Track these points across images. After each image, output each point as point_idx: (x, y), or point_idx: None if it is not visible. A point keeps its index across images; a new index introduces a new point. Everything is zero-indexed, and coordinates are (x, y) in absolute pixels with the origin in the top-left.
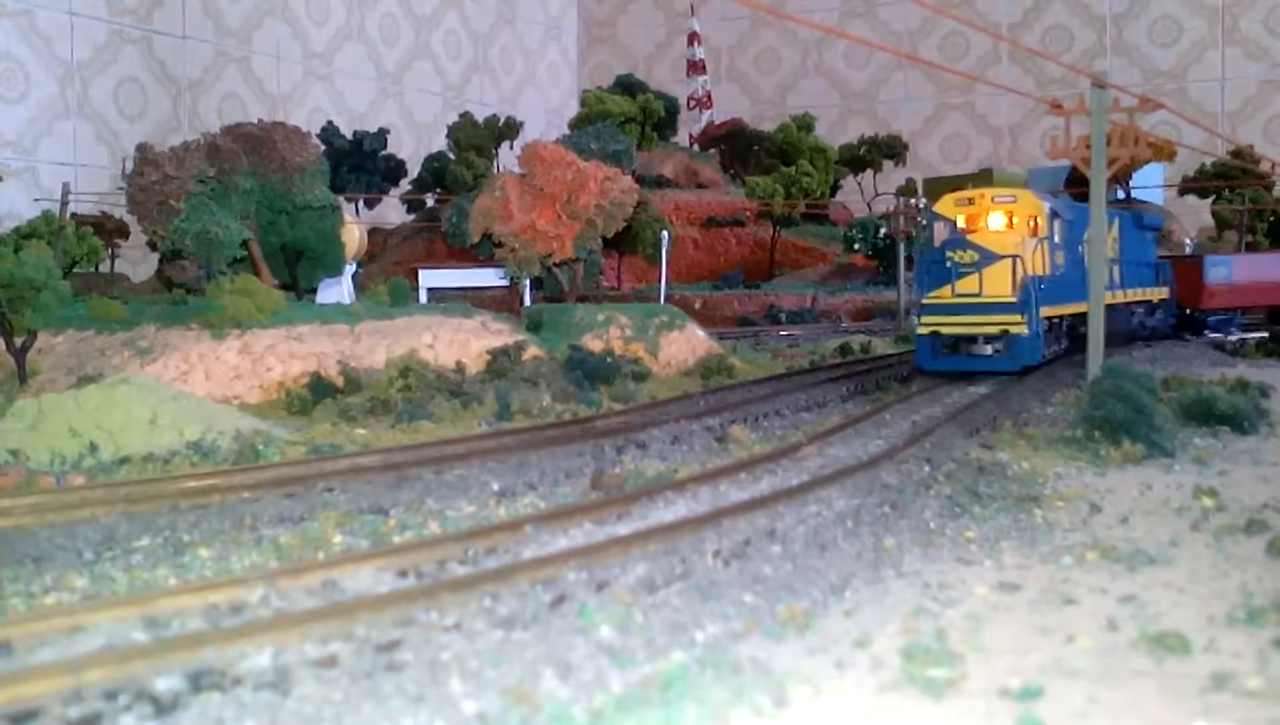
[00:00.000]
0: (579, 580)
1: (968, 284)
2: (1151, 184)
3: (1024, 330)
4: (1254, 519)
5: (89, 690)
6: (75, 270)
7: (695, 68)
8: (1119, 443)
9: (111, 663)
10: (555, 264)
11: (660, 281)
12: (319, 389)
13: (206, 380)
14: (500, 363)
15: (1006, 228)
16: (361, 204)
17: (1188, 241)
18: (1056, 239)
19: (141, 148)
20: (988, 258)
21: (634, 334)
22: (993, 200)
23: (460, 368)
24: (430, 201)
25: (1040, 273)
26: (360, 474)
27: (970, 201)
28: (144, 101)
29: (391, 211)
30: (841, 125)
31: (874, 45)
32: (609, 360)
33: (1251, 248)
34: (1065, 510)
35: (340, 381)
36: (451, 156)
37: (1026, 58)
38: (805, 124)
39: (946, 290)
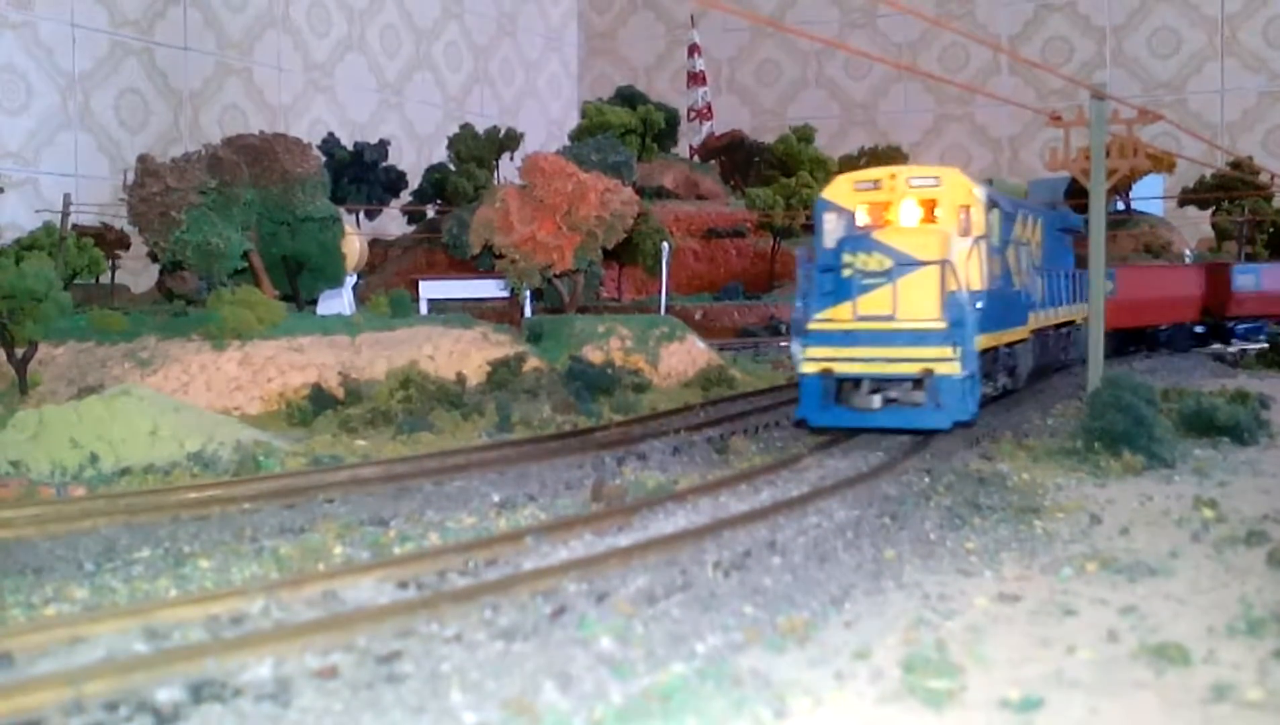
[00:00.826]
0: (579, 591)
1: (874, 302)
2: (1151, 195)
3: (955, 369)
4: (1254, 530)
5: (89, 701)
6: (76, 281)
7: (695, 79)
8: (1119, 454)
9: (112, 674)
10: (556, 275)
11: (660, 293)
12: (319, 400)
13: (207, 391)
14: (501, 374)
15: (927, 221)
16: (362, 215)
17: (1188, 253)
18: (995, 239)
19: (143, 159)
20: (903, 264)
21: (634, 345)
22: (908, 183)
23: (461, 379)
24: (431, 213)
25: (977, 286)
26: (361, 485)
27: (875, 185)
28: (145, 113)
29: (392, 223)
30: (842, 136)
31: (874, 57)
32: (609, 371)
33: (1251, 259)
34: (1065, 521)
35: (341, 393)
36: (452, 168)
37: (1026, 69)
38: (805, 135)
39: (844, 309)
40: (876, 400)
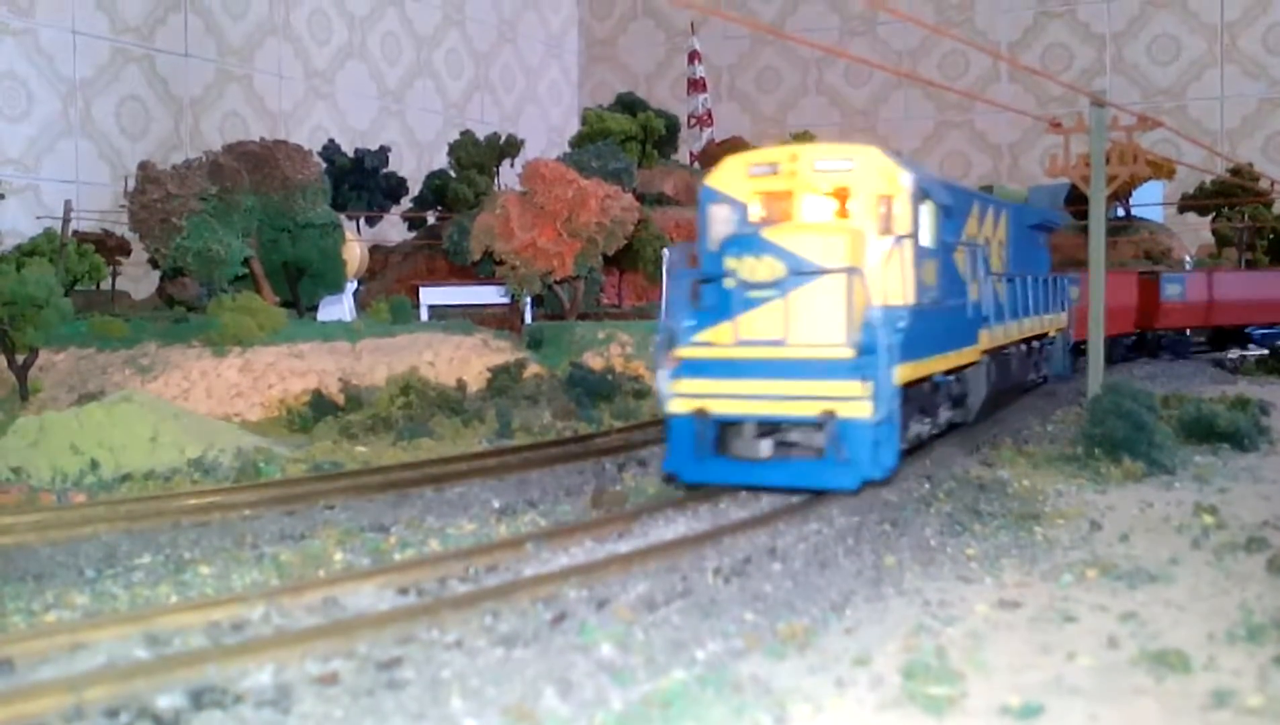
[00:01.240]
0: (580, 598)
1: (761, 322)
2: (1151, 201)
3: (865, 411)
4: (1254, 536)
5: (90, 708)
6: (77, 288)
7: (696, 86)
8: (1119, 460)
9: (113, 680)
10: (556, 282)
11: (661, 299)
12: (320, 406)
13: (208, 398)
14: (501, 380)
15: (838, 216)
16: (363, 222)
17: (1187, 259)
18: (928, 239)
19: (143, 166)
20: (800, 272)
21: (635, 351)
22: (813, 167)
23: (461, 385)
24: (431, 219)
25: (900, 300)
26: (361, 492)
27: (773, 169)
28: (146, 119)
29: (392, 229)
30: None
31: (874, 64)
32: (610, 378)
33: (1251, 265)
34: (1066, 528)
35: (341, 399)
36: (452, 174)
37: (1026, 76)
38: (806, 142)
39: (725, 331)
40: (764, 446)
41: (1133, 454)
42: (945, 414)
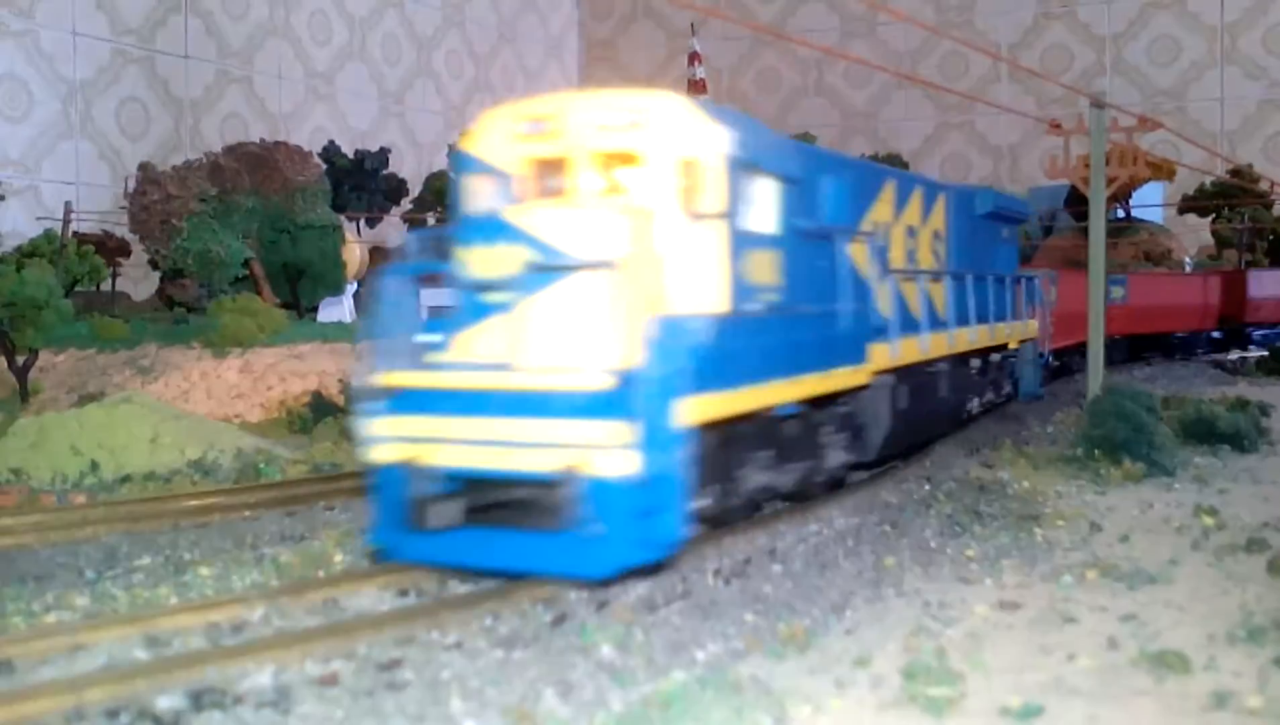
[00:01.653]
0: (580, 599)
1: (488, 336)
2: (1151, 203)
3: (626, 466)
4: (1254, 538)
5: (90, 709)
6: (77, 289)
7: (696, 87)
8: (1119, 461)
9: (113, 681)
10: None
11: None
12: (320, 408)
13: (208, 399)
14: None
15: (610, 191)
16: (363, 223)
17: (1187, 260)
18: (748, 221)
19: (144, 167)
20: (545, 269)
21: None
22: (590, 123)
23: None
24: (431, 221)
25: (708, 305)
26: (362, 493)
27: (539, 126)
28: (146, 121)
29: (393, 230)
30: (842, 144)
31: (874, 65)
32: None
33: (1251, 266)
34: (1066, 529)
35: (341, 400)
36: (452, 175)
37: (1026, 77)
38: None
39: (459, 347)
40: (449, 511)
41: (1133, 455)
42: (795, 464)
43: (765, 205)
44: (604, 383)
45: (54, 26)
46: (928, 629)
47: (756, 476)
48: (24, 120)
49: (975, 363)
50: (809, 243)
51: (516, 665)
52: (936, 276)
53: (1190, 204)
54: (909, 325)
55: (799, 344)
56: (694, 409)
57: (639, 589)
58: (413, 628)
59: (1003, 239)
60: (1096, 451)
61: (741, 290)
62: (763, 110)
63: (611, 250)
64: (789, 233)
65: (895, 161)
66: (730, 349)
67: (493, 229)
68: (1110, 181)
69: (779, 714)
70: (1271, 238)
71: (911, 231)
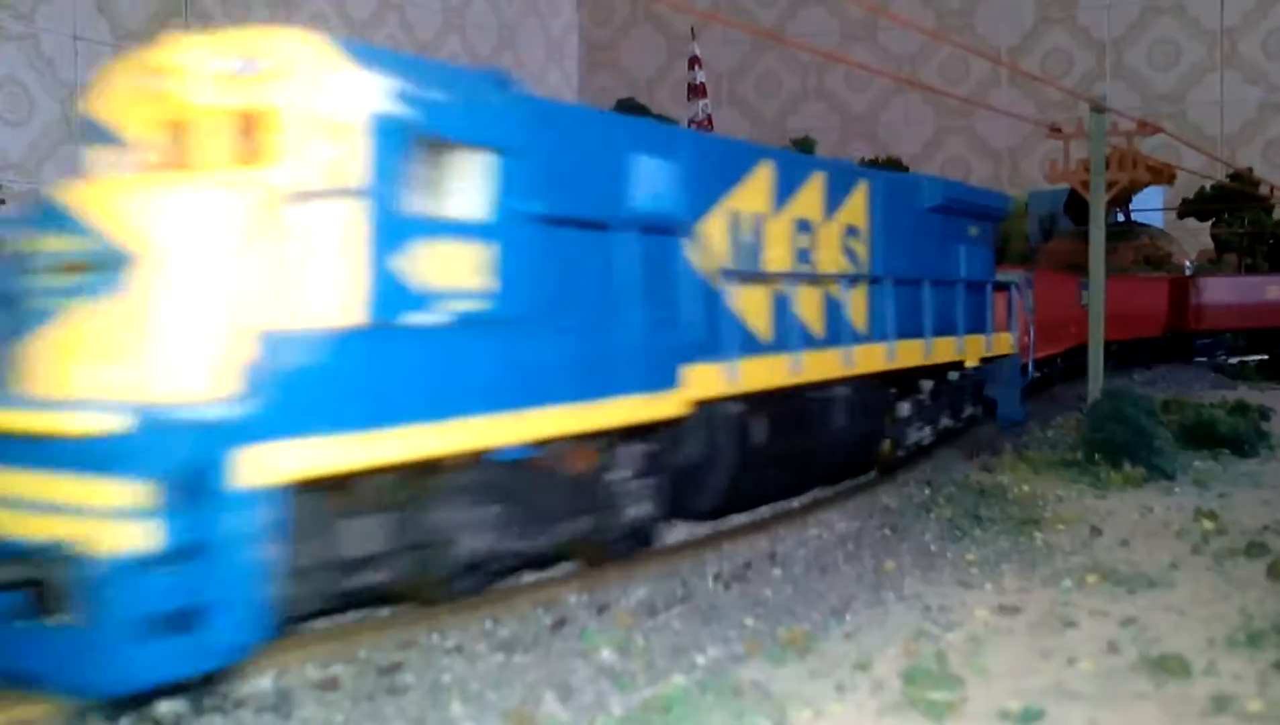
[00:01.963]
0: (580, 603)
1: (18, 354)
2: (1151, 207)
3: (140, 540)
4: (1254, 542)
5: (91, 712)
6: None
7: (696, 91)
8: (1119, 465)
9: None
10: None
11: None
12: None
13: None
14: None
15: (238, 159)
16: None
17: (1188, 264)
18: (416, 202)
19: None
20: (79, 265)
21: None
22: (204, 71)
23: None
24: None
25: (306, 318)
26: None
27: (160, 80)
28: None
29: None
30: (842, 148)
31: (874, 70)
32: None
33: (1251, 271)
34: (1066, 533)
35: None
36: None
37: (1026, 81)
38: (806, 147)
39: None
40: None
41: (1133, 459)
42: (554, 523)
43: (459, 182)
44: (109, 424)
45: (54, 30)
46: (928, 633)
47: (470, 541)
48: (24, 124)
49: (926, 384)
50: (556, 235)
51: (516, 669)
52: (849, 280)
53: (1190, 208)
54: (782, 342)
55: (531, 366)
56: (287, 458)
57: (639, 593)
58: (413, 631)
59: (968, 238)
60: (1096, 455)
61: (397, 295)
62: (763, 114)
63: (141, 241)
64: (509, 220)
65: (895, 165)
66: (367, 373)
67: (45, 216)
68: (1110, 185)
69: (779, 718)
70: (1271, 242)
71: (805, 226)
